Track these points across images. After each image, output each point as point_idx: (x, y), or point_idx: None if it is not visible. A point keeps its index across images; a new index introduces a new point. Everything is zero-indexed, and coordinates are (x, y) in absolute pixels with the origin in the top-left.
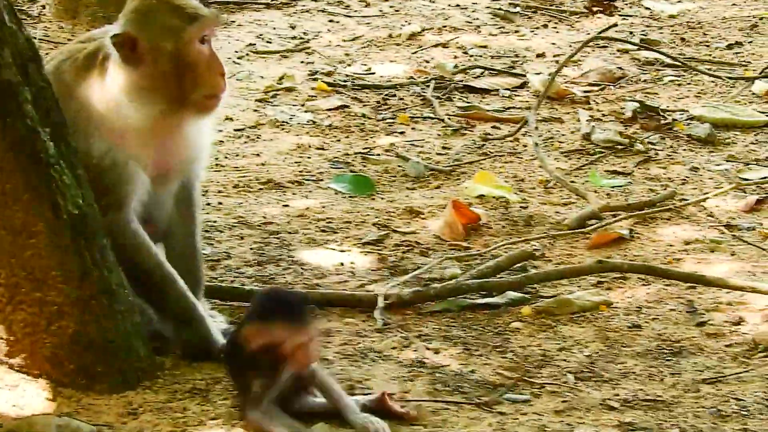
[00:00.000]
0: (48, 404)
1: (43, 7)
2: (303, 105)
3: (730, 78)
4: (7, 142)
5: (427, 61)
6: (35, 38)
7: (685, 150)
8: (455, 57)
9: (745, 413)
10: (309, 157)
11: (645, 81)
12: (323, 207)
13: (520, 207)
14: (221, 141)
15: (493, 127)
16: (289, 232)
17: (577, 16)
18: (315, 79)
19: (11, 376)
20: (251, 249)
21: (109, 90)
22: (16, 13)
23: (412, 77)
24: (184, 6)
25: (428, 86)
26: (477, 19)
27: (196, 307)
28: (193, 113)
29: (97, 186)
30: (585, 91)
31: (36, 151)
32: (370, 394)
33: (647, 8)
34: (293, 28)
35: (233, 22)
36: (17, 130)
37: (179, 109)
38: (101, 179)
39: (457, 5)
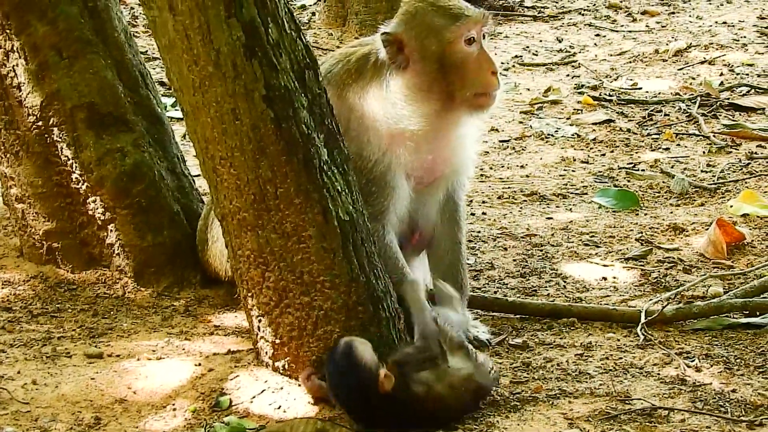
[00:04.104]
0: (310, 408)
1: (313, 14)
2: (568, 118)
3: None
4: (282, 147)
5: (693, 78)
6: None
7: None
8: (721, 74)
9: None
10: (573, 171)
11: None
12: (587, 220)
13: None
14: (486, 152)
15: (759, 146)
16: (552, 245)
17: None
18: (581, 93)
19: (275, 378)
20: (514, 260)
21: (382, 92)
22: (296, 20)
23: (677, 93)
24: (449, 6)
25: (694, 103)
26: (744, 37)
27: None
28: (464, 112)
29: (360, 193)
30: None
31: (309, 156)
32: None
33: None
34: (560, 41)
35: (500, 33)
36: (292, 135)
37: (450, 109)
38: (367, 186)
39: (724, 23)
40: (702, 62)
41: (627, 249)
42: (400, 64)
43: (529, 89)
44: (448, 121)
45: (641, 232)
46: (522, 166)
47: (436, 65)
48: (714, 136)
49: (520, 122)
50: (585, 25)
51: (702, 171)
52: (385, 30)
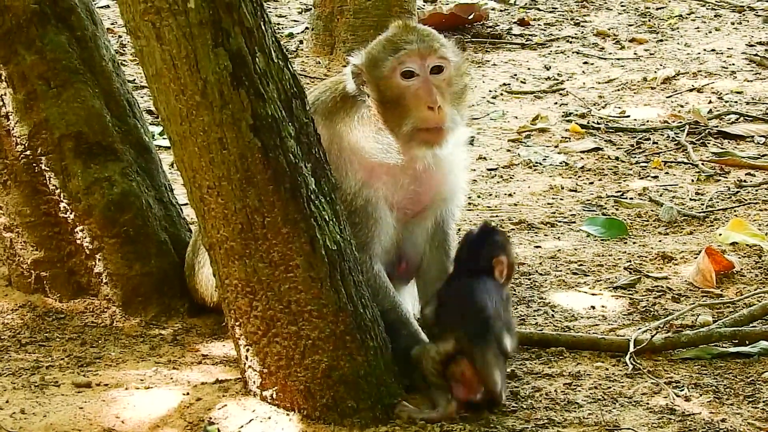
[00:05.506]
0: None
1: (301, 42)
2: (556, 146)
3: None
4: (269, 176)
5: (682, 106)
6: None
7: None
8: (710, 102)
9: None
10: (561, 199)
11: None
12: (575, 249)
13: None
14: (474, 180)
15: (748, 174)
16: (541, 274)
17: None
18: (569, 121)
19: (263, 407)
20: None
21: (361, 124)
22: (283, 49)
23: (666, 121)
24: (396, 39)
25: (682, 131)
26: (733, 64)
27: None
28: (416, 147)
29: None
30: None
31: (297, 185)
32: None
33: None
34: (548, 68)
35: (488, 61)
36: (279, 164)
37: (405, 142)
38: (350, 218)
39: (713, 50)
40: (690, 90)
41: (615, 278)
42: (363, 96)
43: (517, 117)
44: (414, 154)
45: (630, 261)
46: (510, 195)
47: (378, 98)
48: (703, 164)
49: (508, 150)
50: (573, 52)
51: (691, 199)
52: (353, 62)
